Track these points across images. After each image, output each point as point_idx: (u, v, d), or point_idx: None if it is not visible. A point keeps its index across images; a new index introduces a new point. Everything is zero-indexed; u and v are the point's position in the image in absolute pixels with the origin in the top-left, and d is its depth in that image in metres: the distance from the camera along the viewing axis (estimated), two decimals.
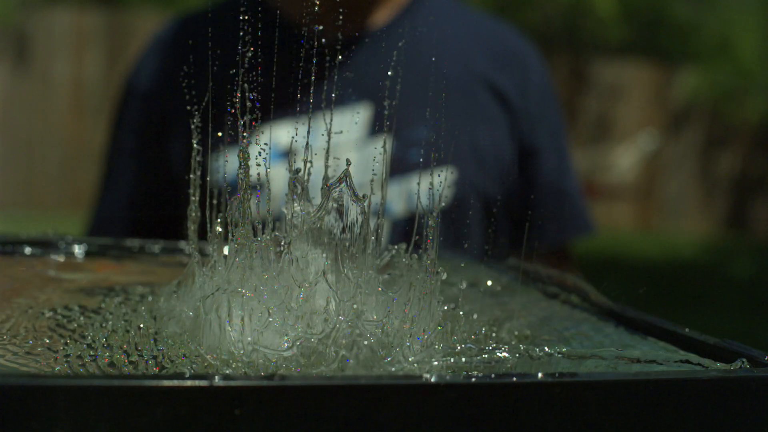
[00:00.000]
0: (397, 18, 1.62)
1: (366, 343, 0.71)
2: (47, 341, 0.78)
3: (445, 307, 0.80)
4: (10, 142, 8.58)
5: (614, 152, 10.12)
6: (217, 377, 0.60)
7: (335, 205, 0.79)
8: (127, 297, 0.92)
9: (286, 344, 0.72)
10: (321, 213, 0.79)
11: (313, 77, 0.84)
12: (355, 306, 0.73)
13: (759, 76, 10.49)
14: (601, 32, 10.35)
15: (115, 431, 0.58)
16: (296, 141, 0.82)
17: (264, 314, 0.74)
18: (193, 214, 0.84)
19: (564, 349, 0.78)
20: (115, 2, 9.22)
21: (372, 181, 0.82)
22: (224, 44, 0.84)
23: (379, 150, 0.85)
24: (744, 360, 0.74)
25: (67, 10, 8.74)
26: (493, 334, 0.86)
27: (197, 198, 0.84)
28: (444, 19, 1.69)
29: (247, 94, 0.79)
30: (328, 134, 0.83)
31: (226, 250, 0.80)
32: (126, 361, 0.74)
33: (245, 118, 0.79)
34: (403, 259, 0.81)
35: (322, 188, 0.81)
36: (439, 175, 0.85)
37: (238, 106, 0.79)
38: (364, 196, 0.78)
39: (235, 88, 0.79)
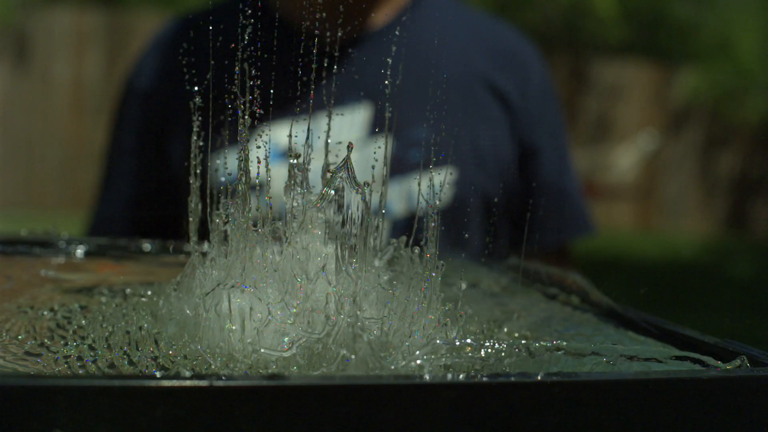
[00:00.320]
0: (397, 18, 1.62)
1: (365, 339, 0.71)
2: (47, 341, 0.78)
3: (446, 308, 0.80)
4: (10, 142, 8.58)
5: (614, 152, 10.12)
6: (217, 377, 0.60)
7: (336, 195, 0.79)
8: (126, 297, 0.92)
9: (285, 344, 0.72)
10: (323, 200, 0.78)
11: (313, 77, 0.84)
12: (356, 299, 0.73)
13: (759, 76, 10.48)
14: (601, 32, 10.34)
15: (115, 431, 0.58)
16: (296, 135, 0.82)
17: (264, 312, 0.74)
18: (193, 205, 0.84)
19: (564, 348, 0.78)
20: (115, 2, 9.22)
21: (372, 181, 0.81)
22: (225, 44, 0.84)
23: (379, 150, 0.85)
24: (744, 359, 0.74)
25: (67, 10, 8.74)
26: (494, 333, 0.86)
27: (197, 196, 0.84)
28: (444, 19, 1.69)
29: (247, 94, 0.79)
30: (327, 134, 0.83)
31: (224, 245, 0.79)
32: (126, 361, 0.74)
33: (245, 118, 0.79)
34: (403, 253, 0.81)
35: (322, 175, 0.81)
36: (439, 174, 0.85)
37: (238, 106, 0.79)
38: (365, 184, 0.78)
39: (236, 88, 0.79)
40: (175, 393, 0.59)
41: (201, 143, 0.84)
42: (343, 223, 0.78)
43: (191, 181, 0.84)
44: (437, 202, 0.80)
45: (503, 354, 0.76)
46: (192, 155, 0.84)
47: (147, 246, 1.18)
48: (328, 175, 0.79)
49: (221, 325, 0.74)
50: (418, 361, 0.73)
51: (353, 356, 0.71)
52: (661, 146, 10.44)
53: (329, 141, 0.85)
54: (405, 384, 0.64)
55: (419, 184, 0.82)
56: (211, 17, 0.83)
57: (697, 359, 0.78)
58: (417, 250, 0.79)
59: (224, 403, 0.59)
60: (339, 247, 0.77)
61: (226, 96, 0.81)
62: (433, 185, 0.81)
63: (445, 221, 0.85)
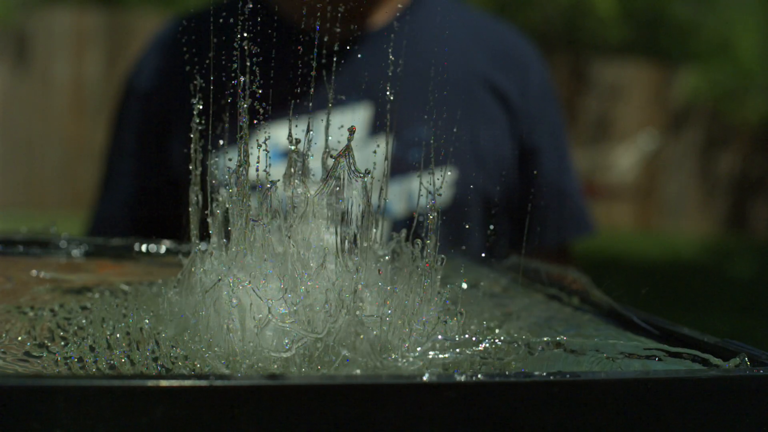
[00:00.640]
0: (397, 18, 1.62)
1: (363, 337, 0.71)
2: (47, 342, 0.78)
3: (445, 297, 0.79)
4: (10, 142, 8.58)
5: (614, 152, 10.12)
6: (217, 377, 0.60)
7: (338, 183, 0.78)
8: (126, 297, 0.92)
9: (286, 345, 0.72)
10: (324, 188, 0.78)
11: (313, 77, 0.84)
12: (356, 291, 0.73)
13: (759, 76, 10.48)
14: (601, 32, 10.34)
15: (115, 431, 0.58)
16: (297, 125, 0.82)
17: (264, 311, 0.74)
18: (194, 198, 0.84)
19: (563, 345, 0.78)
20: (115, 2, 9.22)
21: (372, 171, 0.81)
22: (224, 44, 0.84)
23: (379, 150, 0.85)
24: (744, 358, 0.74)
25: (67, 10, 8.74)
26: (494, 332, 0.86)
27: (197, 195, 0.84)
28: (444, 19, 1.69)
29: (246, 93, 0.79)
30: (326, 131, 0.83)
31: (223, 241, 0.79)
32: (125, 360, 0.74)
33: (244, 118, 0.79)
34: (403, 248, 0.80)
35: (323, 162, 0.80)
36: (438, 174, 0.85)
37: (238, 105, 0.79)
38: (366, 171, 0.78)
39: (236, 87, 0.79)
40: (175, 393, 0.59)
41: (201, 143, 0.84)
42: (343, 216, 0.78)
43: (191, 181, 0.84)
44: (438, 197, 0.79)
45: (503, 351, 0.76)
46: (192, 155, 0.84)
47: (146, 246, 1.18)
48: (330, 159, 0.79)
49: (221, 324, 0.74)
50: (417, 357, 0.73)
51: (354, 354, 0.71)
52: (661, 146, 10.44)
53: (329, 138, 0.85)
54: (405, 384, 0.64)
55: (420, 184, 0.82)
56: (211, 17, 0.83)
57: (697, 358, 0.78)
58: (418, 242, 0.79)
59: (224, 403, 0.59)
60: (339, 239, 0.76)
61: (226, 95, 0.81)
62: (434, 184, 0.81)
63: (445, 221, 0.85)
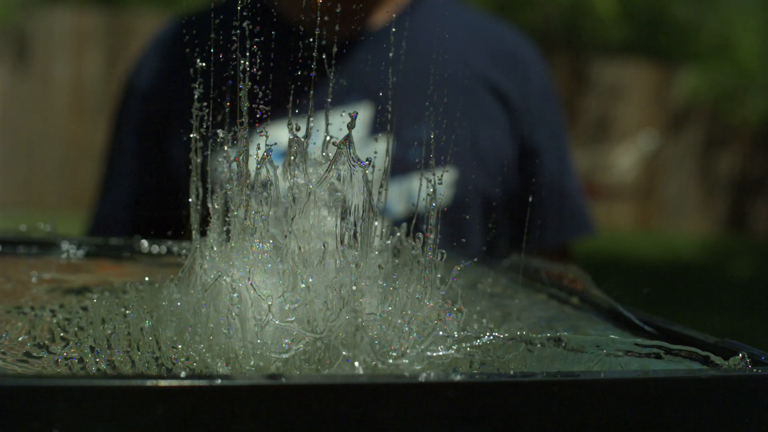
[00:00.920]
0: (397, 18, 1.62)
1: (363, 336, 0.71)
2: (47, 342, 0.78)
3: (443, 290, 0.79)
4: (10, 142, 8.58)
5: (614, 152, 10.12)
6: (217, 377, 0.60)
7: (339, 171, 0.77)
8: (126, 297, 0.92)
9: (286, 345, 0.72)
10: (326, 177, 0.77)
11: (313, 77, 0.84)
12: (355, 290, 0.72)
13: (759, 76, 10.48)
14: (601, 32, 10.34)
15: (115, 431, 0.58)
16: (296, 124, 0.82)
17: (264, 310, 0.74)
18: (193, 196, 0.84)
19: (563, 340, 0.78)
20: (115, 2, 9.22)
21: (372, 162, 0.81)
22: (224, 44, 0.84)
23: (379, 150, 0.85)
24: (745, 356, 0.74)
25: (67, 10, 8.74)
26: (493, 331, 0.86)
27: (198, 194, 0.84)
28: (444, 19, 1.69)
29: (245, 93, 0.79)
30: (326, 128, 0.83)
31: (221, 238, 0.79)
32: (126, 360, 0.74)
33: (244, 117, 0.79)
34: (404, 241, 0.80)
35: (323, 144, 0.80)
36: (437, 175, 0.85)
37: (239, 105, 0.79)
38: (368, 160, 0.77)
39: (236, 87, 0.79)
40: (175, 393, 0.59)
41: (201, 143, 0.84)
42: (343, 207, 0.77)
43: (191, 180, 0.84)
44: (439, 197, 0.79)
45: (502, 349, 0.75)
46: (192, 155, 0.84)
47: (146, 246, 1.18)
48: (332, 144, 0.78)
49: (220, 322, 0.74)
50: (417, 356, 0.72)
51: (354, 352, 0.71)
52: (661, 146, 10.44)
53: (329, 136, 0.85)
54: (405, 384, 0.64)
55: (420, 185, 0.82)
56: (211, 17, 0.83)
57: (696, 357, 0.78)
58: (420, 235, 0.79)
59: (224, 403, 0.59)
60: (339, 232, 0.76)
61: (226, 94, 0.81)
62: (434, 184, 0.81)
63: (445, 221, 0.85)
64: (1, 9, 8.37)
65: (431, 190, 0.80)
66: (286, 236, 0.77)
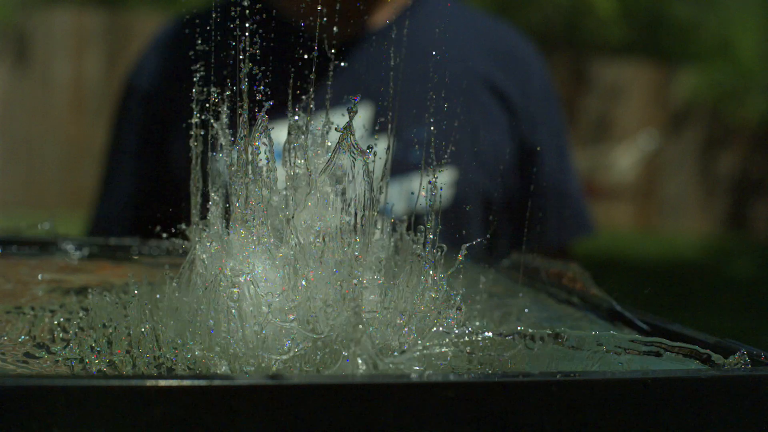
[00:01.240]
0: (398, 18, 1.62)
1: (363, 335, 0.71)
2: (47, 343, 0.78)
3: (443, 283, 0.79)
4: (10, 142, 8.58)
5: (614, 152, 10.12)
6: (217, 377, 0.60)
7: (341, 157, 0.76)
8: (125, 297, 0.92)
9: (286, 346, 0.72)
10: (328, 165, 0.77)
11: (313, 77, 0.84)
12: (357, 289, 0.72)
13: (759, 76, 10.48)
14: (601, 32, 10.34)
15: (114, 431, 0.58)
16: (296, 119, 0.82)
17: (264, 306, 0.73)
18: (194, 191, 0.84)
19: (562, 343, 0.78)
20: (115, 2, 9.22)
21: (374, 148, 0.81)
22: (224, 44, 0.84)
23: (379, 150, 0.85)
24: (744, 358, 0.74)
25: (67, 10, 8.74)
26: (493, 330, 0.86)
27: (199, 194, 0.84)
28: (445, 19, 1.69)
29: (246, 93, 0.79)
30: (326, 126, 0.83)
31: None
32: (126, 359, 0.74)
33: (243, 117, 0.79)
34: (404, 235, 0.80)
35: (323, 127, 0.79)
36: (438, 175, 0.85)
37: (239, 105, 0.79)
38: (369, 148, 0.77)
39: (236, 87, 0.79)
40: (175, 393, 0.59)
41: (201, 143, 0.84)
42: (344, 195, 0.77)
43: (191, 180, 0.84)
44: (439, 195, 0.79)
45: (502, 346, 0.75)
46: (192, 155, 0.84)
47: (147, 246, 1.18)
48: (335, 130, 0.77)
49: (220, 321, 0.74)
50: (417, 353, 0.72)
51: (356, 351, 0.71)
52: (661, 146, 10.44)
53: (329, 131, 0.85)
54: (405, 384, 0.64)
55: (420, 185, 0.82)
56: (211, 17, 0.83)
57: (696, 357, 0.78)
58: (421, 227, 0.79)
59: (224, 403, 0.59)
60: (339, 226, 0.75)
61: (226, 93, 0.80)
62: (435, 184, 0.81)
63: (445, 221, 0.85)
64: (1, 9, 8.37)
65: (431, 190, 0.80)
66: (286, 228, 0.77)
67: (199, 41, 0.82)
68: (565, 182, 1.71)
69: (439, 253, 0.78)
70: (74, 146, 8.67)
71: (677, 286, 6.99)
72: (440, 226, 0.79)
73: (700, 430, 0.68)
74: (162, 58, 1.69)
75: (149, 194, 1.67)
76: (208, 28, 0.83)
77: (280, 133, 0.95)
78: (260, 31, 0.81)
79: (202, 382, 0.59)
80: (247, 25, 0.80)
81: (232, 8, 0.82)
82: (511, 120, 1.64)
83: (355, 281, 0.72)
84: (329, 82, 0.86)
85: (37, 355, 0.75)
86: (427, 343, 0.74)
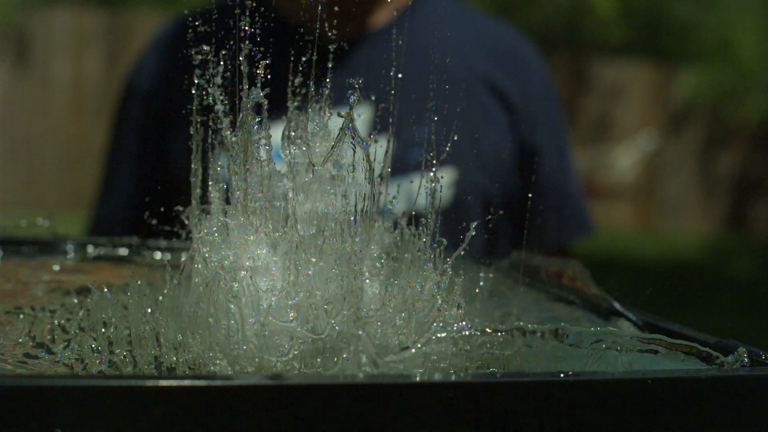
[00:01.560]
0: (397, 18, 1.62)
1: (363, 335, 0.71)
2: (47, 343, 0.78)
3: (442, 277, 0.79)
4: (10, 142, 8.58)
5: (614, 152, 10.12)
6: (217, 377, 0.60)
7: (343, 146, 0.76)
8: (126, 297, 0.92)
9: (287, 345, 0.72)
10: (329, 155, 0.76)
11: (313, 77, 0.84)
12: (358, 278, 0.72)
13: (759, 76, 10.48)
14: (601, 32, 10.34)
15: (114, 431, 0.58)
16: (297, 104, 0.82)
17: (264, 305, 0.73)
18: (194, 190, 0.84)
19: (561, 341, 0.78)
20: (115, 2, 9.22)
21: (376, 139, 0.81)
22: (224, 44, 0.84)
23: (379, 149, 0.85)
24: (744, 358, 0.74)
25: (67, 10, 8.74)
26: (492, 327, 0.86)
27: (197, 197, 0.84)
28: (445, 19, 1.69)
29: (245, 93, 0.79)
30: (325, 124, 0.83)
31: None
32: (127, 360, 0.74)
33: (243, 116, 0.79)
34: (405, 228, 0.80)
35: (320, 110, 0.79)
36: (437, 175, 0.85)
37: (239, 105, 0.79)
38: (371, 136, 0.77)
39: (235, 87, 0.79)
40: (175, 393, 0.59)
41: (201, 143, 0.84)
42: (345, 184, 0.76)
43: (192, 180, 0.84)
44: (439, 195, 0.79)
45: (501, 344, 0.75)
46: (192, 155, 0.84)
47: (147, 246, 1.18)
48: (337, 115, 0.77)
49: (220, 320, 0.74)
50: (416, 352, 0.72)
51: (354, 350, 0.71)
52: (661, 146, 10.44)
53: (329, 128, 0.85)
54: (405, 384, 0.64)
55: (420, 185, 0.82)
56: (211, 17, 0.83)
57: (696, 357, 0.78)
58: (422, 220, 0.79)
59: (224, 403, 0.59)
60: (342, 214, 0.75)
61: (226, 93, 0.81)
62: (435, 184, 0.81)
63: (445, 221, 0.85)
64: (1, 9, 8.37)
65: (431, 190, 0.80)
66: (286, 222, 0.76)
67: (198, 41, 0.82)
68: (565, 182, 1.71)
69: (439, 249, 0.78)
70: (74, 146, 8.67)
71: (677, 286, 6.99)
72: (441, 223, 0.79)
73: (700, 430, 0.68)
74: (162, 58, 1.69)
75: (149, 194, 1.67)
76: (207, 28, 0.83)
77: (278, 132, 0.95)
78: (259, 30, 0.81)
79: (202, 382, 0.59)
80: (245, 24, 0.80)
81: (232, 9, 0.82)
82: (511, 120, 1.64)
83: (354, 278, 0.72)
84: (328, 82, 0.86)
85: (37, 355, 0.75)
86: (427, 343, 0.73)
